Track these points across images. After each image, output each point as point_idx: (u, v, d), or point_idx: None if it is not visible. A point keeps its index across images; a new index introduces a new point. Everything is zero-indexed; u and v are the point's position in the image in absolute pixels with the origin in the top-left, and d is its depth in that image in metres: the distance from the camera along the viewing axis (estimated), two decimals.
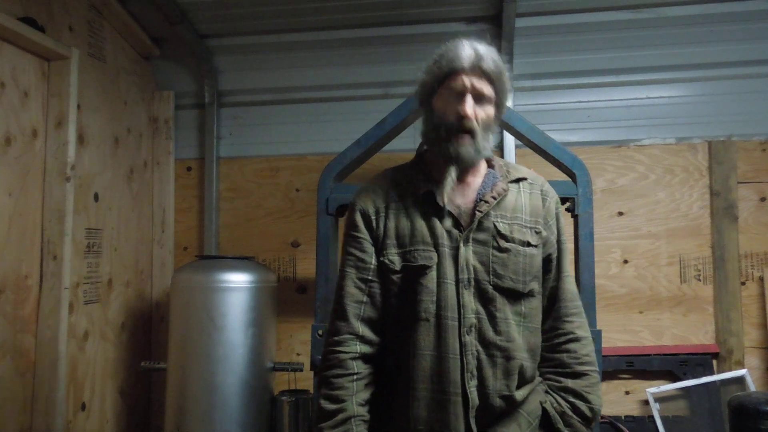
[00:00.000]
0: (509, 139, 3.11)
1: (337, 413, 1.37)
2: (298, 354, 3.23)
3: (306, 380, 3.05)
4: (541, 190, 1.52)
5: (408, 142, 2.73)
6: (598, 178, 3.09)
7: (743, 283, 3.00)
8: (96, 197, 2.83)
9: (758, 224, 3.02)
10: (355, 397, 1.39)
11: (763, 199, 3.03)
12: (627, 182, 3.12)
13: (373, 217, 1.47)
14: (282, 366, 2.83)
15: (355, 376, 1.40)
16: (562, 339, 1.47)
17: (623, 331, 3.05)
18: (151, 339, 3.26)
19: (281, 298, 3.07)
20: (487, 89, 1.41)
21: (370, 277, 1.45)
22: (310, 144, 3.31)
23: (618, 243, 3.09)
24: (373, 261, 1.45)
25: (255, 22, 3.13)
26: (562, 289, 1.50)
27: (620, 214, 3.11)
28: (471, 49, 1.39)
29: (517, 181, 1.51)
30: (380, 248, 1.45)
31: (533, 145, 2.45)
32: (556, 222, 1.52)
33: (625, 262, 3.09)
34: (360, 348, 1.42)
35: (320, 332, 2.37)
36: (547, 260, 1.49)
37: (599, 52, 3.09)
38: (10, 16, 2.29)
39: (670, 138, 3.11)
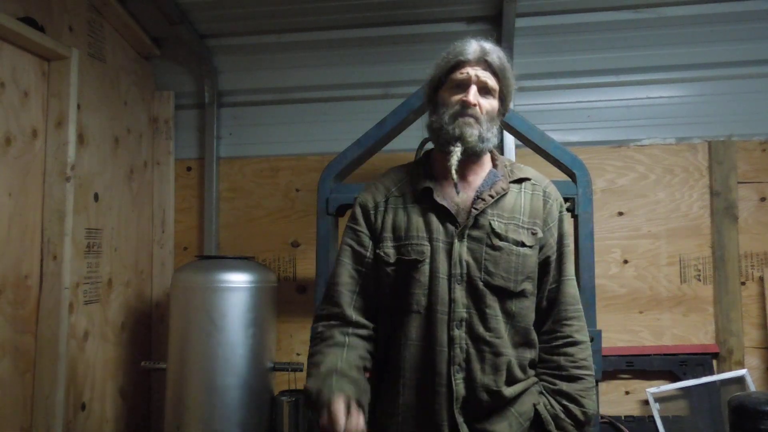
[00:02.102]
0: (509, 139, 3.11)
1: (319, 365, 1.39)
2: (298, 354, 3.23)
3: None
4: (544, 192, 1.51)
5: (408, 142, 2.73)
6: (598, 178, 3.09)
7: (743, 283, 3.00)
8: (96, 197, 2.82)
9: (758, 224, 3.02)
10: (342, 359, 1.39)
11: (763, 199, 3.03)
12: (627, 182, 3.12)
13: (372, 211, 1.51)
14: (282, 366, 2.83)
15: (345, 347, 1.42)
16: (560, 342, 1.46)
17: (623, 331, 3.05)
18: (151, 339, 3.26)
19: (281, 298, 3.07)
20: (491, 82, 1.45)
21: (364, 270, 1.48)
22: (310, 144, 3.31)
23: (618, 243, 3.09)
24: (369, 254, 1.49)
25: (255, 22, 3.13)
26: (562, 292, 1.48)
27: (620, 214, 3.11)
28: (477, 44, 1.45)
29: (520, 181, 1.51)
30: (377, 241, 1.48)
31: (533, 145, 2.45)
32: (558, 225, 1.51)
33: (625, 262, 3.09)
34: (351, 330, 1.45)
35: None
36: (544, 262, 1.48)
37: (599, 52, 3.10)
38: (10, 16, 2.29)
39: (670, 138, 3.11)
